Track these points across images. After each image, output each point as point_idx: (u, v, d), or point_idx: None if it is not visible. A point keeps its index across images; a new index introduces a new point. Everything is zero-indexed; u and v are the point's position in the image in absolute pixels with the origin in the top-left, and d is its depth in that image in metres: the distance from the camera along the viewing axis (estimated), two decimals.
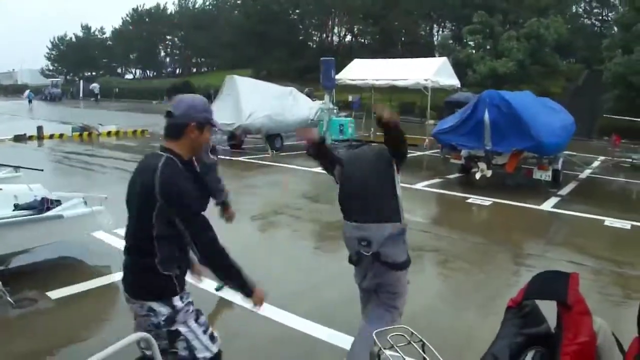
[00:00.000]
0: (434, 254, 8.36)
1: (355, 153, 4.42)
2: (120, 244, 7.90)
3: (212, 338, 3.40)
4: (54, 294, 6.04)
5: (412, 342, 3.64)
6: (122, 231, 8.45)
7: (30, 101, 55.58)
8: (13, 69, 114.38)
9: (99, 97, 64.31)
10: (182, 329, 3.24)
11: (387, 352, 3.52)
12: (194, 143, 3.23)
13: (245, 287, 3.33)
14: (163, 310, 3.19)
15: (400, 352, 3.49)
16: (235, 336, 5.13)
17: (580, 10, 57.53)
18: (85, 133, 25.16)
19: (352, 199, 4.19)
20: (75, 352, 4.93)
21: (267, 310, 5.67)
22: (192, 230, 3.13)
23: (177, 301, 3.22)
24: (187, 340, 3.25)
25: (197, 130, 3.18)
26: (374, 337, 3.78)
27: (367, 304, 4.44)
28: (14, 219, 6.49)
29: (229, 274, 3.30)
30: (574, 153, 18.54)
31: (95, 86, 67.39)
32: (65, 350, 4.99)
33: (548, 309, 2.83)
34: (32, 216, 6.69)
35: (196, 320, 3.33)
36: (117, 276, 6.16)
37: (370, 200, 4.13)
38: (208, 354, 3.33)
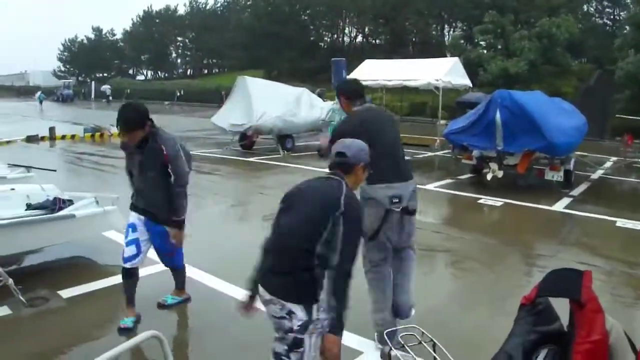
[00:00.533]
0: (446, 254, 8.34)
1: (376, 115, 4.96)
2: None
3: None
4: (66, 293, 6.06)
5: (422, 341, 3.64)
6: None
7: (41, 102, 55.87)
8: (25, 70, 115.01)
9: (110, 98, 64.46)
10: (307, 340, 3.31)
11: (398, 352, 3.52)
12: (357, 179, 3.65)
13: (340, 321, 3.29)
14: (302, 315, 3.28)
15: (410, 351, 3.49)
16: (246, 337, 5.13)
17: (592, 9, 57.10)
18: (97, 134, 25.29)
19: (383, 160, 4.53)
20: (87, 351, 4.94)
21: None
22: (348, 249, 3.30)
23: (315, 311, 3.31)
24: (303, 354, 3.32)
25: (363, 170, 3.63)
26: (385, 337, 3.78)
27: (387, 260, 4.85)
28: (26, 218, 6.53)
29: (343, 300, 3.30)
30: (586, 153, 18.45)
31: (106, 87, 67.74)
32: (76, 348, 5.00)
33: (561, 306, 2.82)
34: (45, 216, 6.73)
35: (317, 337, 3.37)
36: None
37: (401, 161, 4.83)
38: None
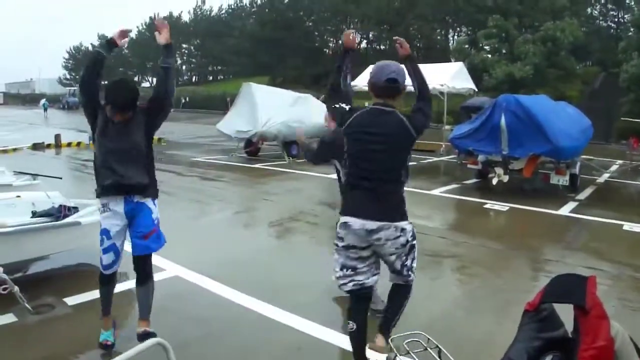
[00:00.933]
0: (451, 259, 8.32)
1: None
2: None
3: None
4: (71, 300, 6.07)
5: (428, 348, 3.64)
6: None
7: (45, 109, 56.09)
8: (31, 78, 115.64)
9: None
10: (415, 243, 4.23)
11: (403, 358, 3.51)
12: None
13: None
14: (409, 227, 4.12)
15: (416, 358, 3.49)
16: (252, 345, 5.13)
17: (596, 12, 56.94)
18: None
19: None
20: (92, 358, 4.96)
21: (283, 317, 5.68)
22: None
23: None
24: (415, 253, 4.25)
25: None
26: (390, 344, 3.78)
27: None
28: (32, 225, 6.54)
29: None
30: (592, 157, 18.42)
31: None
32: (82, 356, 5.00)
33: (565, 312, 2.81)
34: (50, 223, 6.74)
35: None
36: (134, 283, 6.20)
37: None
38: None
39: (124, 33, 5.04)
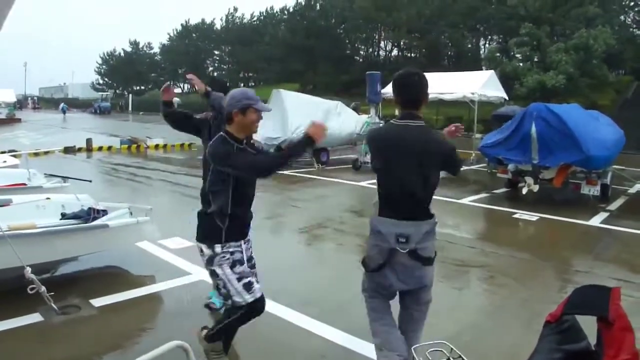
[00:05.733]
0: (480, 269, 8.23)
1: (403, 137, 4.24)
2: (165, 255, 7.98)
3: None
4: (98, 302, 6.11)
5: (451, 357, 3.60)
6: (166, 242, 8.60)
7: (64, 112, 56.90)
8: (64, 83, 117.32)
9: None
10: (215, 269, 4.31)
11: None
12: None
13: (301, 146, 4.21)
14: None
15: None
16: (275, 351, 5.12)
17: (629, 20, 56.13)
18: (133, 145, 25.60)
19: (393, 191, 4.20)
20: (116, 359, 4.99)
21: (308, 323, 5.66)
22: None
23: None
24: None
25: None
26: (413, 353, 3.74)
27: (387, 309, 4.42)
28: (60, 227, 6.61)
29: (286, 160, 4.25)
30: (623, 167, 18.18)
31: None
32: (105, 357, 5.05)
33: (589, 325, 2.76)
34: (79, 225, 6.81)
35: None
36: (161, 286, 6.23)
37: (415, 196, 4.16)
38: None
39: (167, 91, 5.54)
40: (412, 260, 4.01)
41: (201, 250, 4.29)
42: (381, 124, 21.91)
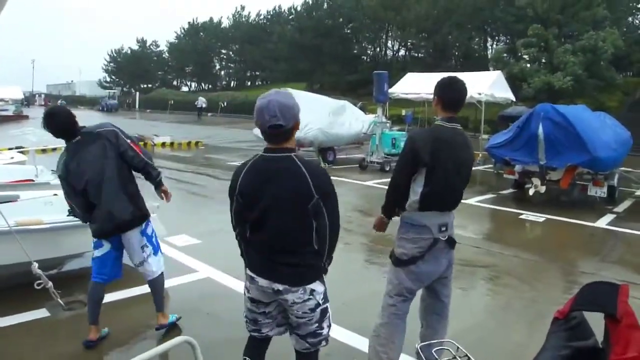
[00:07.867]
0: (485, 270, 8.23)
1: (452, 136, 4.41)
2: (172, 252, 8.00)
3: None
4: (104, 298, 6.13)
5: (457, 356, 3.59)
6: (173, 239, 8.62)
7: None
8: (72, 80, 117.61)
9: (202, 112, 59.63)
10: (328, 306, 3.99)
11: None
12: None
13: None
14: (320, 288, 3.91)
15: None
16: (281, 349, 5.12)
17: (637, 21, 55.82)
18: (141, 143, 25.60)
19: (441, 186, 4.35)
20: (120, 355, 5.03)
21: None
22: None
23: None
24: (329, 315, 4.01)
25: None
26: (419, 351, 3.74)
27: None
28: (67, 223, 6.62)
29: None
30: (631, 169, 18.13)
31: (202, 101, 60.77)
32: (111, 352, 5.09)
33: (597, 322, 2.76)
34: None
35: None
36: (168, 283, 6.24)
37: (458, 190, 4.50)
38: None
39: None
40: (446, 245, 4.37)
41: (311, 295, 3.84)
42: (388, 124, 21.95)
